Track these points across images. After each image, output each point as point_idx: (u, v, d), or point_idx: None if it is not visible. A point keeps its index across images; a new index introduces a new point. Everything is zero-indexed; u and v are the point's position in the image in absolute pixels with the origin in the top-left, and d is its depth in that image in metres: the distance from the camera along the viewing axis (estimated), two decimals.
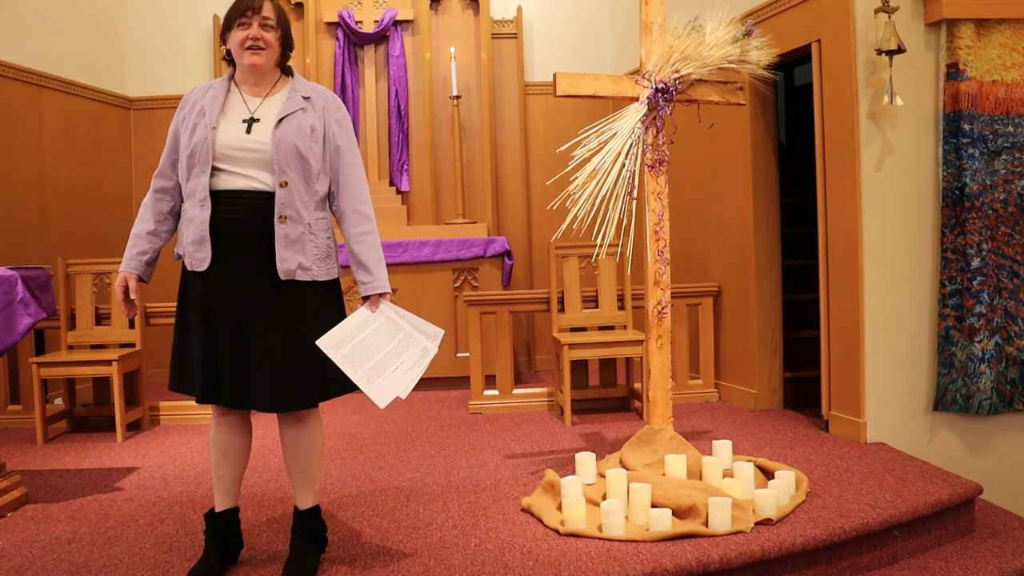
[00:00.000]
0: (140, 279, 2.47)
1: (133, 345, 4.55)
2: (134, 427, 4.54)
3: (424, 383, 5.36)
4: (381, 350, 2.35)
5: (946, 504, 3.00)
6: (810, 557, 2.67)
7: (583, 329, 4.74)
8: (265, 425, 4.49)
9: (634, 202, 3.11)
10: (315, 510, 2.54)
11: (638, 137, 3.15)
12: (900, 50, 3.62)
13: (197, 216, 2.34)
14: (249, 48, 2.36)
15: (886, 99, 3.67)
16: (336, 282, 2.49)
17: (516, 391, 4.84)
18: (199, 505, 3.15)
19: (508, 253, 5.60)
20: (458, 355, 5.41)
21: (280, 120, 2.36)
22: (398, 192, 6.14)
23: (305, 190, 2.37)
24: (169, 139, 2.46)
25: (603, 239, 3.03)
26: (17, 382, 4.74)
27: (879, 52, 3.65)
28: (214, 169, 2.34)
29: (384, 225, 5.84)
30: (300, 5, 6.09)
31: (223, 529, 2.52)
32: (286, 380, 2.35)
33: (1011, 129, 3.76)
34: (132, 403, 4.56)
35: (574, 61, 6.23)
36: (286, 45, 2.46)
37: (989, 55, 3.75)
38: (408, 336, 2.40)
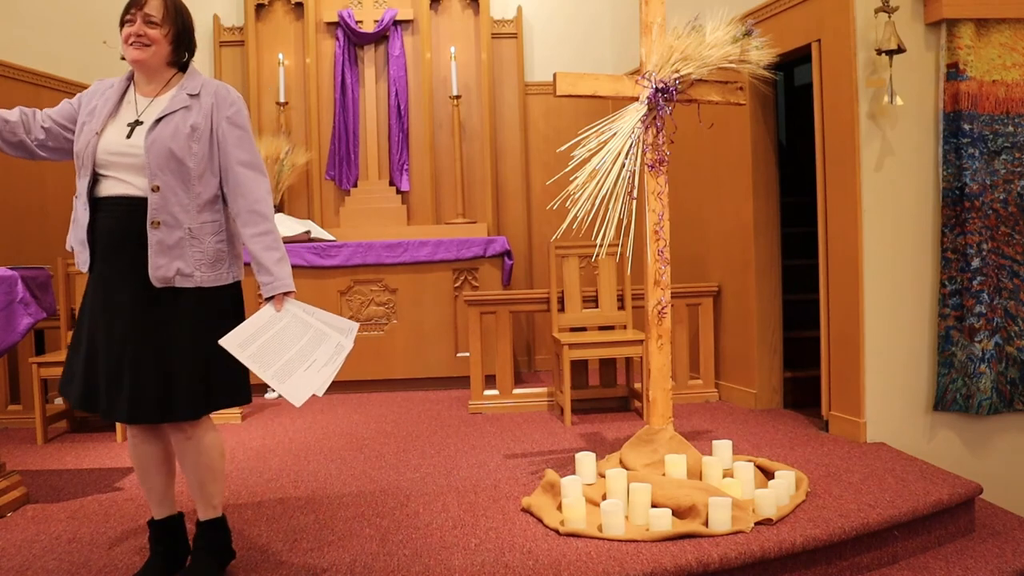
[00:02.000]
0: None
1: None
2: None
3: (424, 383, 5.44)
4: (291, 348, 2.27)
5: (946, 504, 3.00)
6: (810, 557, 2.67)
7: (583, 329, 4.74)
8: (265, 425, 4.49)
9: (634, 202, 3.10)
10: (215, 522, 2.46)
11: (638, 137, 3.15)
12: (900, 50, 3.62)
13: (80, 218, 2.32)
14: (132, 44, 2.32)
15: (886, 99, 3.67)
16: (229, 288, 2.39)
17: (516, 391, 4.84)
18: None
19: (508, 253, 5.60)
20: (458, 355, 5.42)
21: (157, 121, 2.28)
22: (398, 192, 6.14)
23: (184, 193, 2.28)
24: (64, 103, 2.43)
25: (603, 239, 3.03)
26: (17, 382, 4.73)
27: (879, 52, 3.65)
28: (97, 175, 2.30)
29: (384, 225, 5.93)
30: (300, 5, 6.09)
31: (164, 536, 2.48)
32: (154, 390, 2.27)
33: (1011, 129, 3.76)
34: None
35: (574, 61, 6.23)
36: (179, 43, 2.37)
37: (989, 55, 3.74)
38: (319, 333, 2.31)
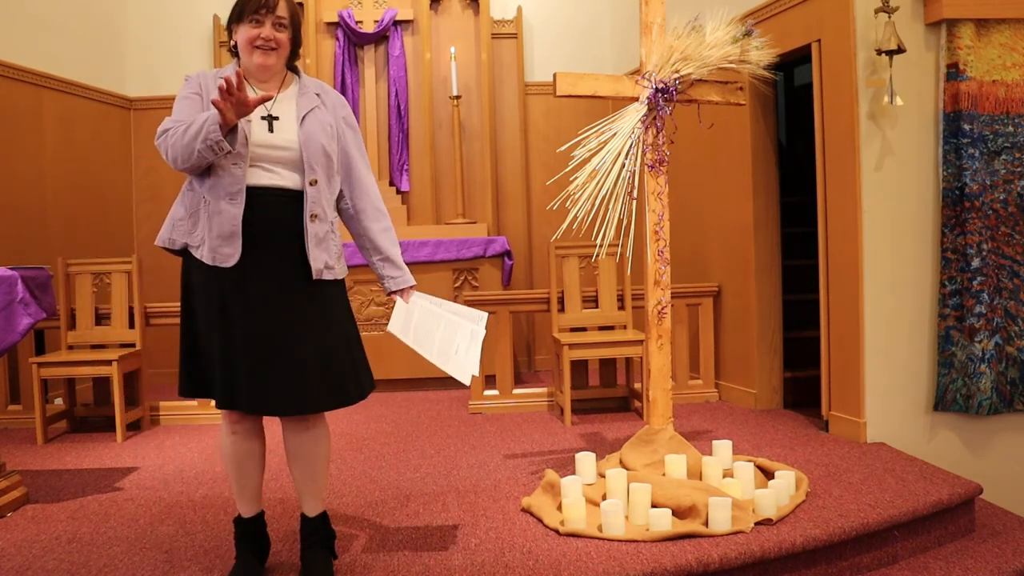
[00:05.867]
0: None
1: (133, 345, 4.55)
2: (134, 427, 4.54)
3: (424, 383, 5.45)
4: (435, 334, 2.42)
5: (946, 504, 3.00)
6: (810, 557, 2.67)
7: (583, 329, 4.74)
8: (265, 425, 4.48)
9: (634, 202, 3.11)
10: (324, 516, 2.50)
11: (638, 137, 3.15)
12: (900, 50, 3.62)
13: (227, 210, 2.22)
14: (259, 47, 2.29)
15: (886, 99, 3.67)
16: (344, 281, 2.46)
17: (516, 391, 4.84)
18: (199, 505, 3.15)
19: (508, 253, 5.60)
20: None
21: (303, 117, 2.32)
22: (398, 192, 6.15)
23: (328, 188, 2.35)
24: (184, 109, 2.30)
25: (603, 239, 3.03)
26: (17, 382, 4.73)
27: (879, 52, 3.65)
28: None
29: None
30: (300, 5, 6.08)
31: (256, 534, 2.50)
32: (311, 381, 2.29)
33: (1011, 129, 3.75)
34: (132, 403, 4.55)
35: (574, 61, 6.22)
36: (296, 43, 2.39)
37: (989, 55, 3.74)
38: (451, 322, 2.44)
